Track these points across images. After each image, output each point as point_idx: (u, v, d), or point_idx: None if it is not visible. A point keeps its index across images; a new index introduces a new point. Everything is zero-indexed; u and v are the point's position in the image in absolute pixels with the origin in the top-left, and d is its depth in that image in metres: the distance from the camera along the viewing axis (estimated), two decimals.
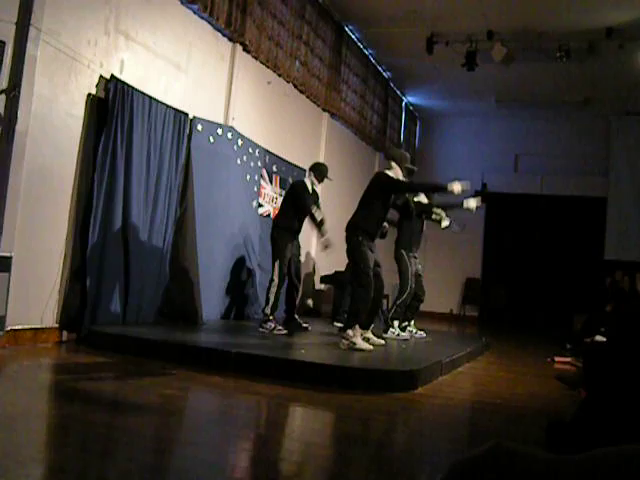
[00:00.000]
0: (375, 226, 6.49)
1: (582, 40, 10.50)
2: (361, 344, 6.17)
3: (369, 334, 6.64)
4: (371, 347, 6.25)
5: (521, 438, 3.81)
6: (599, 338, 7.52)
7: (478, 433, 4.18)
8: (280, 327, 7.21)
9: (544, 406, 5.00)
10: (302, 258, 10.30)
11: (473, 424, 4.58)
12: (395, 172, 6.63)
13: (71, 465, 2.71)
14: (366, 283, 6.28)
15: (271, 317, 7.23)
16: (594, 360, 3.00)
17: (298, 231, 7.55)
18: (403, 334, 7.81)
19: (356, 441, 3.65)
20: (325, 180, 7.63)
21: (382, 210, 6.52)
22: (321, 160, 10.99)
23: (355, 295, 6.43)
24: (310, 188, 7.48)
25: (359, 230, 6.39)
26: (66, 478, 2.55)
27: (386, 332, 7.66)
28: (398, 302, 7.82)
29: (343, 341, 6.21)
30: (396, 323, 7.84)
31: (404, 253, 7.83)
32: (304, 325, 7.70)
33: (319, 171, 7.60)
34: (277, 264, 7.24)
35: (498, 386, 5.93)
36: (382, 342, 6.77)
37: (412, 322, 8.30)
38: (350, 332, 6.21)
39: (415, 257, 8.06)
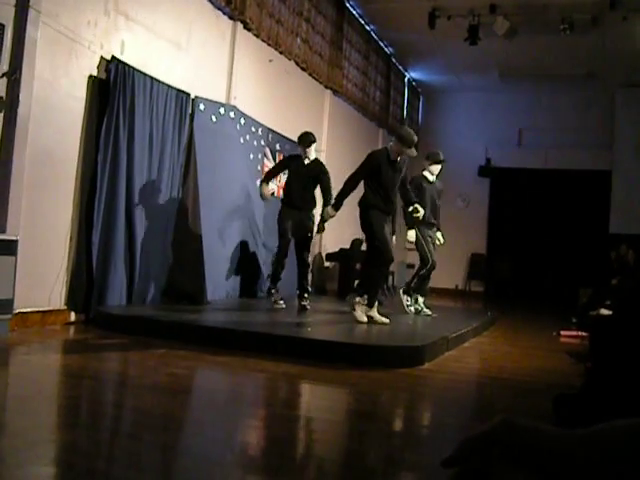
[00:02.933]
0: (381, 202, 6.60)
1: (585, 12, 10.40)
2: (359, 315, 6.42)
3: (373, 312, 6.65)
4: (366, 319, 6.43)
5: (528, 412, 3.83)
6: (604, 312, 7.53)
7: (485, 408, 4.21)
8: (280, 301, 7.36)
9: (550, 380, 5.02)
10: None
11: (480, 399, 4.60)
12: (392, 147, 6.78)
13: (81, 445, 2.74)
14: (380, 262, 6.57)
15: (273, 289, 7.47)
16: (600, 333, 3.01)
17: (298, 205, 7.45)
18: (411, 308, 8.00)
19: (364, 417, 3.67)
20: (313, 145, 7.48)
21: (377, 186, 6.62)
22: (324, 137, 10.99)
23: (368, 273, 6.67)
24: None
25: (369, 205, 6.63)
26: (77, 458, 2.58)
27: (409, 301, 8.04)
28: (421, 273, 8.09)
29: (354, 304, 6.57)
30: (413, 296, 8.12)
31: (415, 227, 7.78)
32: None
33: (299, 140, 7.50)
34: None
35: (504, 360, 5.96)
36: (386, 321, 6.69)
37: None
38: (359, 299, 6.52)
39: (433, 227, 8.11)
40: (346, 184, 6.74)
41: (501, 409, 3.96)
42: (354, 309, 6.52)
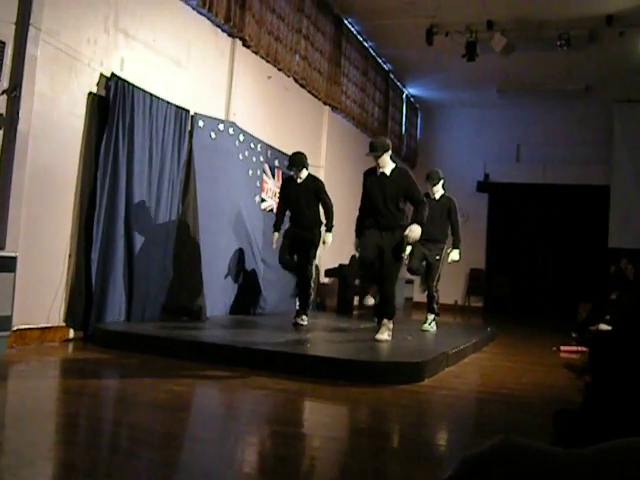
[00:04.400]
0: (370, 216, 6.52)
1: (582, 28, 10.46)
2: (380, 336, 6.42)
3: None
4: (389, 339, 6.44)
5: (528, 428, 3.82)
6: (603, 327, 7.52)
7: (485, 424, 4.19)
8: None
9: (550, 395, 5.01)
10: None
11: (480, 415, 4.59)
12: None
13: (80, 462, 2.73)
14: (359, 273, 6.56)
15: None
16: (600, 348, 3.00)
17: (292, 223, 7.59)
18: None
19: (364, 434, 3.66)
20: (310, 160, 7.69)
21: (364, 199, 6.65)
22: (323, 153, 11.01)
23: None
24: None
25: (357, 222, 6.68)
26: (75, 475, 2.57)
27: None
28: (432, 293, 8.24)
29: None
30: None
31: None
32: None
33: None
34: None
35: (504, 376, 5.94)
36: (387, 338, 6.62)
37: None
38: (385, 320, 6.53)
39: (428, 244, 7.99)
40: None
41: (501, 425, 3.95)
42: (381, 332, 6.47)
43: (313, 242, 7.42)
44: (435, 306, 8.20)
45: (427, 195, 8.06)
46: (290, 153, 9.55)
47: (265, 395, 4.47)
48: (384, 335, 6.40)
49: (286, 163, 9.25)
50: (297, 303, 7.70)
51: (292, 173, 7.54)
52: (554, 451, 0.63)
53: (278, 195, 7.86)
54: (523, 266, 15.39)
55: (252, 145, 8.65)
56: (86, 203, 6.02)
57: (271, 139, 9.20)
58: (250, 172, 8.65)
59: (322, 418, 4.17)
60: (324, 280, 11.05)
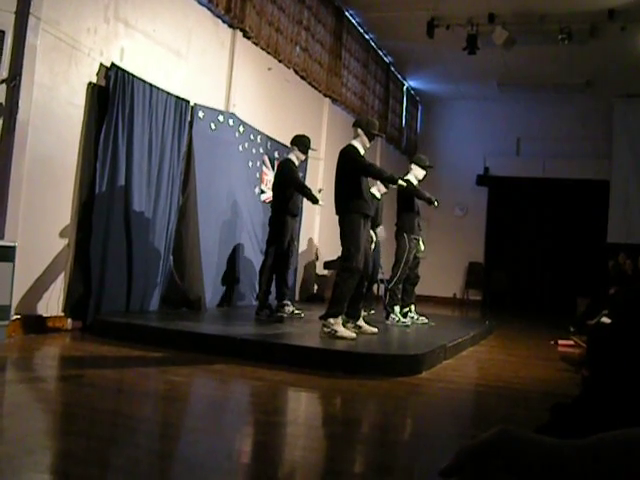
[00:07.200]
0: (367, 204, 6.08)
1: (584, 22, 10.44)
2: (343, 332, 5.81)
3: (361, 322, 6.40)
4: (354, 335, 5.87)
5: (525, 421, 3.82)
6: (605, 320, 7.52)
7: (482, 417, 4.20)
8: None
9: (548, 389, 5.02)
10: (304, 243, 10.33)
11: (477, 408, 4.60)
12: (361, 140, 6.26)
13: (78, 452, 2.73)
14: (353, 268, 5.92)
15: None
16: (598, 340, 3.01)
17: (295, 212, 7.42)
18: (404, 320, 7.68)
19: (361, 425, 3.67)
20: (310, 152, 7.53)
21: (361, 186, 6.05)
22: (323, 145, 10.99)
23: (339, 280, 6.00)
24: (297, 163, 7.35)
25: (352, 210, 6.01)
26: (73, 465, 2.57)
27: (387, 319, 7.65)
28: (389, 287, 7.75)
29: (324, 329, 5.84)
30: (396, 309, 7.72)
31: (405, 236, 7.64)
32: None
33: (301, 143, 7.34)
34: (274, 247, 7.14)
35: (502, 369, 5.95)
36: (374, 330, 6.41)
37: (412, 307, 8.15)
38: (331, 320, 5.85)
39: (417, 239, 7.79)
40: (372, 165, 6.33)
41: (498, 418, 3.95)
42: (334, 331, 5.81)
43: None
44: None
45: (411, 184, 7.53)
46: (289, 145, 9.51)
47: (262, 386, 4.47)
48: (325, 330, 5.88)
49: (286, 155, 9.15)
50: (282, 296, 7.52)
51: (302, 156, 7.41)
52: (553, 442, 0.63)
53: (297, 174, 7.40)
54: (522, 260, 15.40)
55: (252, 136, 8.63)
56: (85, 193, 6.02)
57: (271, 131, 9.19)
58: (250, 163, 8.64)
59: (318, 409, 4.18)
60: (323, 272, 11.06)
